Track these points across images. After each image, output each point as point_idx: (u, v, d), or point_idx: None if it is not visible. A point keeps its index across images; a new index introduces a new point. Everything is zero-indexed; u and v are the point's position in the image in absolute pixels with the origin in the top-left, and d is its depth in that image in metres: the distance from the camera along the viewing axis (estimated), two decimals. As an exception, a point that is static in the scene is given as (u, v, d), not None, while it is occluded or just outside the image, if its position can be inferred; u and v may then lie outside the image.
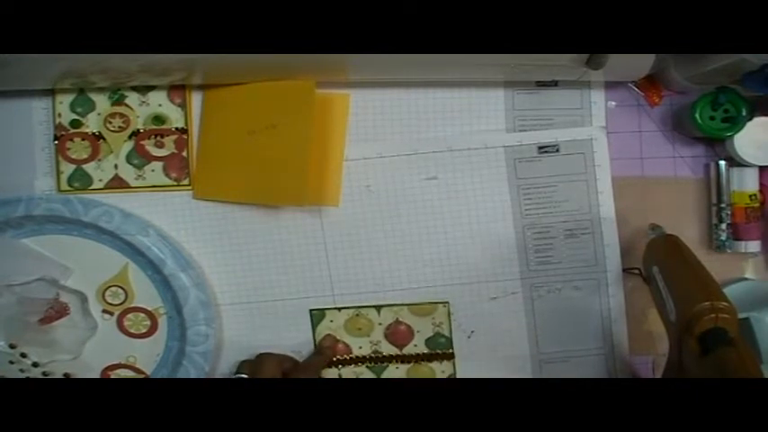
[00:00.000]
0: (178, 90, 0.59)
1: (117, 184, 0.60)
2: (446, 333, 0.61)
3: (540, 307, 0.61)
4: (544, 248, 0.60)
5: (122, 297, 0.61)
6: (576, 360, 0.61)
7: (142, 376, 0.62)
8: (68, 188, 0.60)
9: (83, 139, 0.59)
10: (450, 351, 0.61)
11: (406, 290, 0.61)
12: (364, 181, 0.60)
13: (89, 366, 0.62)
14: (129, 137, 0.60)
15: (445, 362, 0.62)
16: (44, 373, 0.62)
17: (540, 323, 0.61)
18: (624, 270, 0.60)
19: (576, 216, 0.60)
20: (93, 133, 0.60)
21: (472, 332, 0.61)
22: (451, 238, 0.60)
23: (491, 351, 0.61)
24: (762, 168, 0.57)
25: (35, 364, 0.62)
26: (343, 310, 0.61)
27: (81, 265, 0.60)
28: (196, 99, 0.59)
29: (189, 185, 0.60)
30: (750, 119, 0.55)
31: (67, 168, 0.60)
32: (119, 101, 0.59)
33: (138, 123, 0.59)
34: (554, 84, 0.58)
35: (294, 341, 0.62)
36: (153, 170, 0.60)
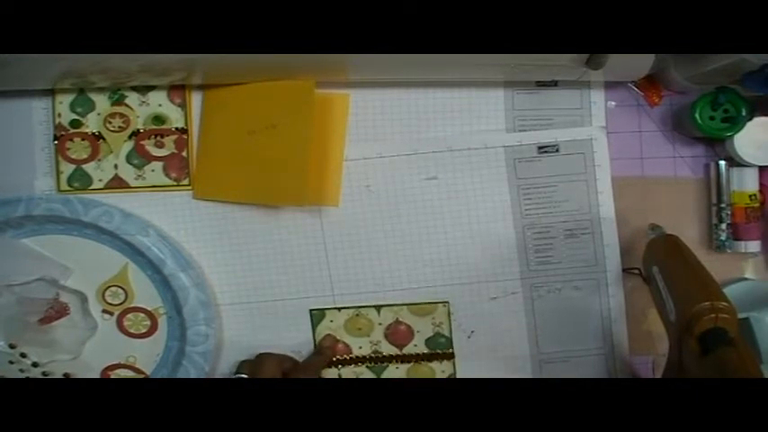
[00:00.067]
0: (178, 90, 0.59)
1: (117, 184, 0.60)
2: (446, 333, 0.61)
3: (540, 307, 0.61)
4: (544, 248, 0.60)
5: (122, 297, 0.61)
6: (576, 360, 0.61)
7: (142, 376, 0.62)
8: (68, 188, 0.60)
9: (83, 139, 0.59)
10: (450, 351, 0.61)
11: (406, 290, 0.61)
12: (364, 181, 0.60)
13: (89, 366, 0.62)
14: (129, 137, 0.60)
15: (445, 362, 0.62)
16: (44, 373, 0.62)
17: (540, 323, 0.61)
18: (624, 270, 0.60)
19: (575, 216, 0.60)
20: (93, 133, 0.60)
21: (472, 332, 0.61)
22: (451, 238, 0.60)
23: (491, 351, 0.61)
24: (762, 168, 0.57)
25: (35, 364, 0.62)
26: (343, 310, 0.61)
27: (81, 265, 0.60)
28: (196, 99, 0.59)
29: (189, 185, 0.60)
30: (750, 119, 0.55)
31: (67, 168, 0.60)
32: (119, 101, 0.59)
33: (138, 123, 0.59)
34: (554, 84, 0.58)
35: (294, 341, 0.62)
36: (153, 170, 0.60)
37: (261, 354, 0.59)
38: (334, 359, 0.62)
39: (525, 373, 0.62)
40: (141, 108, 0.59)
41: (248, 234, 0.60)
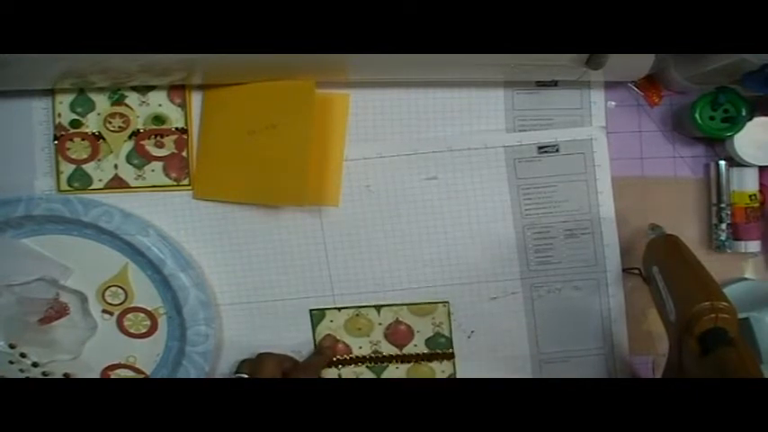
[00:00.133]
0: (178, 90, 0.59)
1: (117, 184, 0.60)
2: (446, 333, 0.61)
3: (540, 307, 0.61)
4: (544, 248, 0.60)
5: (122, 297, 0.61)
6: (576, 360, 0.61)
7: (142, 376, 0.62)
8: (68, 188, 0.60)
9: (83, 139, 0.59)
10: (450, 351, 0.61)
11: (406, 290, 0.61)
12: (364, 181, 0.60)
13: (89, 366, 0.62)
14: (129, 137, 0.60)
15: (445, 362, 0.62)
16: (44, 373, 0.62)
17: (540, 323, 0.61)
18: (624, 270, 0.60)
19: (575, 216, 0.60)
20: (93, 133, 0.60)
21: (472, 332, 0.61)
22: (451, 238, 0.60)
23: (491, 351, 0.61)
24: (762, 168, 0.57)
25: (35, 364, 0.62)
26: (343, 310, 0.61)
27: (81, 265, 0.60)
28: (196, 99, 0.59)
29: (189, 185, 0.60)
30: (750, 119, 0.55)
31: (67, 168, 0.60)
32: (119, 101, 0.59)
33: (138, 123, 0.59)
34: (554, 84, 0.58)
35: (294, 341, 0.62)
36: (153, 170, 0.60)
37: (261, 354, 0.59)
38: (334, 359, 0.62)
39: (525, 373, 0.62)
40: (141, 108, 0.59)
41: (248, 234, 0.60)
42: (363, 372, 0.62)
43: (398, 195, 0.60)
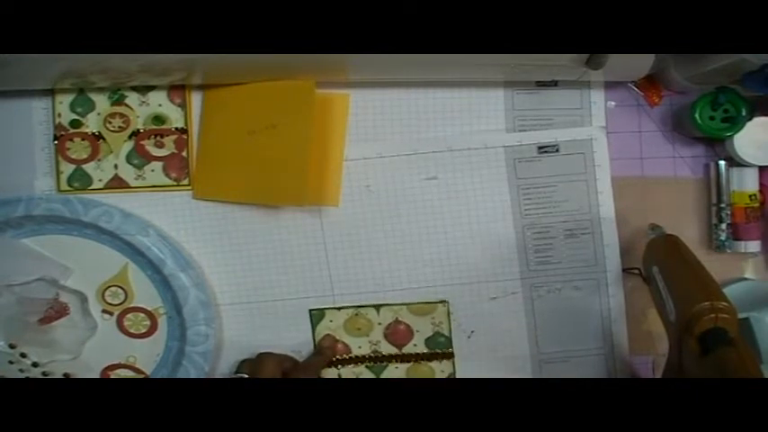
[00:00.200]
0: (178, 90, 0.59)
1: (117, 184, 0.60)
2: (445, 332, 0.61)
3: (540, 307, 0.61)
4: (544, 248, 0.60)
5: (122, 297, 0.61)
6: (576, 360, 0.61)
7: (142, 376, 0.62)
8: (68, 188, 0.60)
9: (83, 139, 0.59)
10: (450, 350, 0.61)
11: (406, 290, 0.61)
12: (364, 181, 0.60)
13: (89, 366, 0.62)
14: (129, 137, 0.60)
15: (445, 361, 0.62)
16: (44, 373, 0.62)
17: (540, 323, 0.61)
18: (624, 270, 0.60)
19: (575, 216, 0.60)
20: (93, 133, 0.60)
21: (472, 332, 0.61)
22: (451, 238, 0.60)
23: (491, 351, 0.61)
24: (762, 168, 0.57)
25: (35, 364, 0.62)
26: (342, 310, 0.61)
27: (81, 265, 0.60)
28: (196, 99, 0.59)
29: (189, 185, 0.60)
30: (750, 119, 0.55)
31: (67, 168, 0.60)
32: (119, 101, 0.59)
33: (138, 123, 0.59)
34: (554, 84, 0.58)
35: (294, 341, 0.62)
36: (153, 170, 0.60)
37: (261, 353, 0.59)
38: (334, 359, 0.62)
39: (525, 373, 0.62)
40: (141, 108, 0.59)
41: (248, 234, 0.60)
42: (363, 372, 0.62)
43: (398, 195, 0.60)
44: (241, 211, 0.60)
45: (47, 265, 0.60)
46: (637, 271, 0.59)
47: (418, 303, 0.61)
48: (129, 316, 0.61)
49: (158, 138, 0.60)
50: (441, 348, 0.61)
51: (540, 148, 0.59)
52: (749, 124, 0.55)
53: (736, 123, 0.55)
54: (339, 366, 0.62)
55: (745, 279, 0.60)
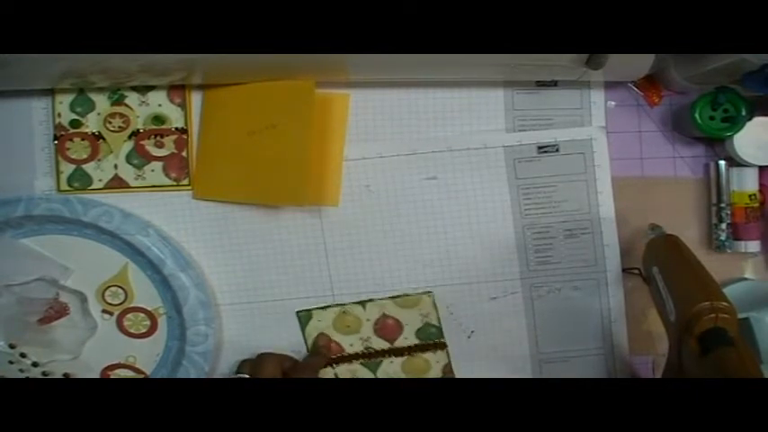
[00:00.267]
0: (178, 90, 0.59)
1: (117, 184, 0.60)
2: (435, 322, 0.61)
3: (539, 307, 0.61)
4: (544, 248, 0.60)
5: (122, 297, 0.61)
6: (576, 360, 0.61)
7: (142, 376, 0.62)
8: (68, 188, 0.60)
9: (82, 139, 0.59)
10: (442, 340, 0.61)
11: (405, 289, 0.61)
12: (364, 181, 0.60)
13: (89, 366, 0.62)
14: (129, 137, 0.60)
15: (439, 351, 0.61)
16: (44, 373, 0.62)
17: (539, 323, 0.61)
18: (624, 270, 0.60)
19: (575, 216, 0.60)
20: (93, 133, 0.60)
21: (472, 332, 0.61)
22: (451, 238, 0.60)
23: (491, 351, 0.61)
24: (761, 168, 0.57)
25: (35, 364, 0.62)
26: (328, 309, 0.61)
27: (81, 265, 0.60)
28: (196, 99, 0.59)
29: (189, 185, 0.60)
30: (750, 119, 0.55)
31: (67, 168, 0.60)
32: (118, 101, 0.59)
33: (138, 123, 0.59)
34: (554, 84, 0.58)
35: (294, 341, 0.62)
36: (153, 170, 0.60)
37: (261, 353, 0.59)
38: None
39: (525, 373, 0.62)
40: (141, 108, 0.59)
41: (248, 234, 0.60)
42: (358, 369, 0.62)
43: (398, 195, 0.60)
44: (241, 211, 0.60)
45: (47, 265, 0.60)
46: (637, 271, 0.59)
47: (403, 296, 0.61)
48: (129, 316, 0.61)
49: (158, 138, 0.60)
50: (432, 339, 0.61)
51: (539, 148, 0.59)
52: (749, 124, 0.55)
53: (736, 123, 0.55)
54: (334, 366, 0.62)
55: (745, 279, 0.60)
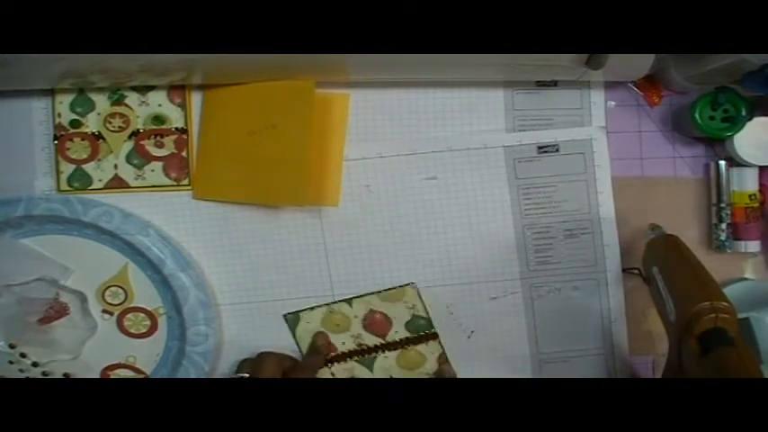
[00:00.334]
0: (178, 90, 0.59)
1: (117, 184, 0.60)
2: (423, 314, 0.61)
3: (539, 307, 0.61)
4: (544, 248, 0.60)
5: (122, 297, 0.61)
6: (576, 360, 0.61)
7: (142, 376, 0.62)
8: (68, 188, 0.60)
9: (82, 139, 0.59)
10: (433, 331, 0.61)
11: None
12: (364, 181, 0.60)
13: (89, 366, 0.62)
14: (129, 137, 0.60)
15: (431, 342, 0.61)
16: (44, 373, 0.62)
17: (539, 323, 0.61)
18: (624, 270, 0.60)
19: (575, 216, 0.60)
20: (93, 133, 0.60)
21: (472, 332, 0.61)
22: (451, 238, 0.60)
23: (491, 351, 0.61)
24: (762, 168, 0.57)
25: (35, 364, 0.62)
26: (316, 309, 0.61)
27: (81, 265, 0.60)
28: (196, 99, 0.59)
29: (189, 185, 0.60)
30: (750, 119, 0.55)
31: (67, 168, 0.60)
32: (118, 101, 0.59)
33: (138, 123, 0.59)
34: (554, 84, 0.58)
35: (293, 341, 0.62)
36: (153, 170, 0.60)
37: (261, 353, 0.59)
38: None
39: (525, 373, 0.62)
40: (141, 108, 0.59)
41: (248, 234, 0.60)
42: (354, 366, 0.62)
43: (398, 195, 0.60)
44: (241, 211, 0.60)
45: (47, 265, 0.60)
46: (637, 271, 0.59)
47: (386, 290, 0.60)
48: (129, 316, 0.61)
49: (158, 138, 0.60)
50: (423, 330, 0.61)
51: (539, 148, 0.59)
52: (749, 124, 0.55)
53: (736, 123, 0.55)
54: (330, 365, 0.62)
55: (745, 279, 0.60)
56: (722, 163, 0.58)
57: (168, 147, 0.60)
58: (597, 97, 0.59)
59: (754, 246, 0.58)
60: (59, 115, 0.59)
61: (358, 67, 0.54)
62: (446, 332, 0.61)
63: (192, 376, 0.60)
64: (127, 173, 0.60)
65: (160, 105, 0.59)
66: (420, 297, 0.60)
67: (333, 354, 0.62)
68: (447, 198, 0.60)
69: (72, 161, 0.60)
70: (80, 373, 0.62)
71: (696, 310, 0.44)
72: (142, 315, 0.61)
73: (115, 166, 0.60)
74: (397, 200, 0.60)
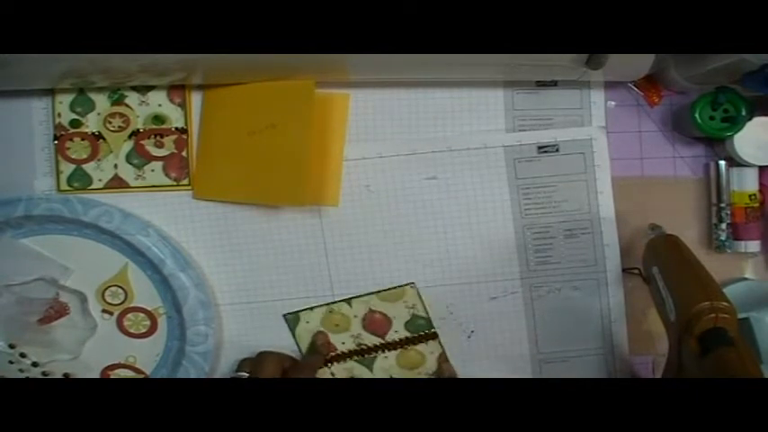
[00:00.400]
0: (178, 90, 0.59)
1: (117, 183, 0.60)
2: (422, 314, 0.61)
3: (539, 307, 0.61)
4: (544, 248, 0.60)
5: (122, 297, 0.61)
6: (576, 360, 0.61)
7: (142, 376, 0.62)
8: (68, 188, 0.60)
9: (82, 139, 0.59)
10: (433, 330, 0.61)
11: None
12: (364, 181, 0.60)
13: (89, 366, 0.62)
14: (129, 137, 0.60)
15: (431, 342, 0.61)
16: (44, 373, 0.62)
17: (539, 323, 0.61)
18: (624, 270, 0.60)
19: (575, 216, 0.60)
20: (93, 133, 0.60)
21: (472, 332, 0.61)
22: (451, 238, 0.60)
23: (491, 351, 0.61)
24: (762, 168, 0.57)
25: (35, 364, 0.62)
26: (316, 309, 0.61)
27: (81, 265, 0.60)
28: (196, 99, 0.59)
29: (189, 185, 0.60)
30: (750, 119, 0.55)
31: (67, 168, 0.60)
32: (118, 101, 0.59)
33: (138, 123, 0.59)
34: (554, 84, 0.58)
35: (293, 341, 0.62)
36: (153, 170, 0.60)
37: (261, 352, 0.59)
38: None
39: (525, 373, 0.62)
40: (141, 108, 0.59)
41: (248, 234, 0.60)
42: (354, 366, 0.62)
43: (398, 195, 0.60)
44: (241, 211, 0.60)
45: (47, 265, 0.60)
46: (637, 271, 0.59)
47: (386, 290, 0.60)
48: (129, 316, 0.61)
49: (158, 138, 0.60)
50: (423, 330, 0.61)
51: (539, 147, 0.59)
52: (749, 124, 0.55)
53: (736, 123, 0.55)
54: (329, 365, 0.62)
55: (745, 279, 0.60)
56: (722, 163, 0.58)
57: (168, 147, 0.60)
58: (597, 97, 0.59)
59: (754, 246, 0.58)
60: (59, 115, 0.59)
61: (358, 67, 0.54)
62: (446, 332, 0.61)
63: (192, 376, 0.60)
64: (127, 173, 0.60)
65: (160, 105, 0.59)
66: (420, 297, 0.61)
67: (332, 353, 0.62)
68: (447, 198, 0.60)
69: (72, 161, 0.60)
70: (80, 373, 0.62)
71: (696, 309, 0.44)
72: (142, 315, 0.61)
73: (115, 166, 0.60)
74: (397, 200, 0.60)
